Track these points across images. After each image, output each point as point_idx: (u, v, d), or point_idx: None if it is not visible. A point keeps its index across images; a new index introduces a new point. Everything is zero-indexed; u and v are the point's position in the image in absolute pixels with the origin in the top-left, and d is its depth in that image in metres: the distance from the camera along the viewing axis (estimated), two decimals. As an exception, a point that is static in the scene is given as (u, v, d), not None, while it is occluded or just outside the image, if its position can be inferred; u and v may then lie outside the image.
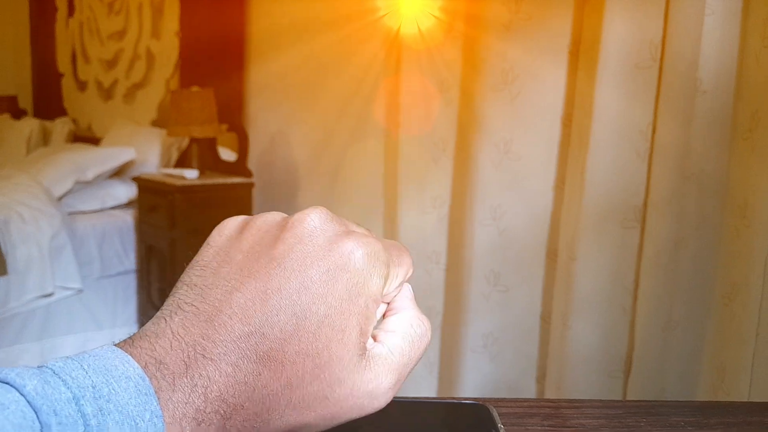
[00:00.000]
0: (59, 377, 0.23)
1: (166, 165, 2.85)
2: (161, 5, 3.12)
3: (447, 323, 1.74)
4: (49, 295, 2.41)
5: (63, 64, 3.94)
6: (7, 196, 2.49)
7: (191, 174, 2.46)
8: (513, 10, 1.44)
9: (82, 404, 0.23)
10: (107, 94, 3.58)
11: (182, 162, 2.72)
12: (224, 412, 0.26)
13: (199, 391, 0.26)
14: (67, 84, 3.92)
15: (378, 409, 0.29)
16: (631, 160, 1.28)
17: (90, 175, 2.70)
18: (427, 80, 1.67)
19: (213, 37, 2.71)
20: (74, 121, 3.79)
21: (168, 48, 3.08)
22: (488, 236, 1.56)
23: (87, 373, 0.24)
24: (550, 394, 1.50)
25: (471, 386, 1.63)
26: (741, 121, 1.12)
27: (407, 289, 0.33)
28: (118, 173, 2.86)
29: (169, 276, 2.27)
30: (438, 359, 1.78)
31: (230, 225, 0.31)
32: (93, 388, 0.23)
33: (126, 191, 2.79)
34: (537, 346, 1.59)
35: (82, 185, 2.72)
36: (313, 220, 0.30)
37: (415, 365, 0.31)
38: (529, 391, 1.60)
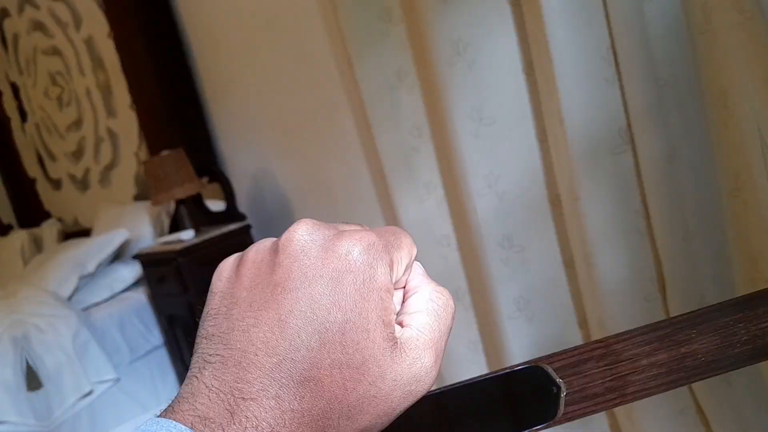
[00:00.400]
0: None
1: (161, 234, 2.85)
2: (108, 84, 3.12)
3: (477, 299, 1.74)
4: (89, 393, 2.40)
5: (31, 168, 3.94)
6: (18, 312, 2.49)
7: (188, 235, 2.46)
8: (444, -19, 1.44)
9: None
10: (83, 184, 3.58)
11: (175, 226, 2.72)
12: None
13: (244, 422, 0.26)
14: (42, 186, 3.92)
15: (429, 388, 0.30)
16: (602, 87, 1.28)
17: (91, 267, 2.70)
18: (383, 73, 1.67)
19: (166, 97, 2.71)
20: (60, 220, 3.79)
21: (127, 122, 3.08)
22: (489, 204, 1.56)
23: None
24: (596, 336, 1.50)
25: (518, 352, 1.63)
26: (694, 16, 1.12)
27: (417, 266, 0.34)
28: (118, 256, 2.86)
29: (193, 336, 2.27)
30: (479, 336, 1.78)
31: (226, 267, 0.31)
32: None
33: (131, 271, 2.79)
34: (569, 294, 1.59)
35: (87, 279, 2.72)
36: (302, 235, 0.30)
37: (449, 336, 0.31)
38: (576, 339, 1.60)
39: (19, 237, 3.57)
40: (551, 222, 1.55)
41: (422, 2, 1.48)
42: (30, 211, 4.02)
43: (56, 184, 3.79)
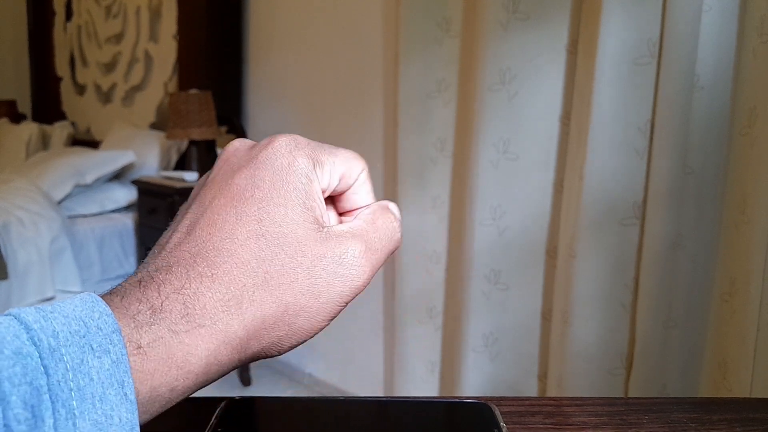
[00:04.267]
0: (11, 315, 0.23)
1: (166, 168, 2.84)
2: (159, 8, 3.11)
3: (448, 323, 1.74)
4: (50, 299, 2.40)
5: (61, 68, 3.94)
6: (6, 200, 2.49)
7: (191, 176, 2.46)
8: (511, 9, 1.44)
9: (23, 316, 0.23)
10: (106, 97, 3.58)
11: (181, 164, 2.72)
12: (185, 304, 0.26)
13: (153, 289, 0.26)
14: (66, 88, 3.92)
15: (362, 282, 0.29)
16: (630, 157, 1.28)
17: (89, 178, 2.70)
18: (426, 80, 1.67)
19: (211, 39, 2.71)
20: (73, 124, 3.79)
21: (166, 51, 3.08)
22: (488, 236, 1.56)
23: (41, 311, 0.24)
24: (551, 393, 1.50)
25: (473, 385, 1.63)
26: (739, 116, 1.12)
27: (370, 190, 0.34)
28: (118, 176, 2.86)
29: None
30: (439, 359, 1.78)
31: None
32: (36, 310, 0.23)
33: (125, 194, 2.79)
34: (538, 344, 1.59)
35: (82, 189, 2.72)
36: (233, 144, 0.32)
37: (386, 258, 0.31)
38: (531, 390, 1.60)
39: (29, 129, 3.56)
40: (542, 270, 1.55)
41: (483, 22, 1.48)
42: (47, 108, 4.02)
43: (81, 89, 3.78)
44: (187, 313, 0.26)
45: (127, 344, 0.24)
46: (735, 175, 1.14)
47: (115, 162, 2.75)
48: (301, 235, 0.28)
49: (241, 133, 2.65)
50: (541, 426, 0.39)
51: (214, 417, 0.36)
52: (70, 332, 0.22)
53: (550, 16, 1.43)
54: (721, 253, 1.18)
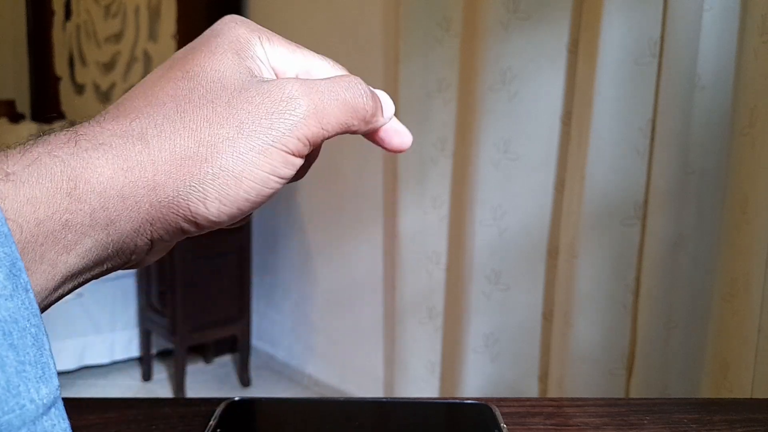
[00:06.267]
0: None
1: (165, 168, 2.84)
2: (158, 8, 3.11)
3: (448, 323, 1.74)
4: (49, 299, 2.40)
5: (60, 67, 3.94)
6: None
7: (190, 176, 2.46)
8: (511, 8, 1.44)
9: None
10: (105, 97, 3.58)
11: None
12: (76, 132, 0.23)
13: (47, 135, 0.23)
14: (65, 87, 3.92)
15: (298, 116, 0.25)
16: (631, 157, 1.28)
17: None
18: (426, 80, 1.66)
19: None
20: (72, 124, 3.78)
21: (165, 51, 3.07)
22: (489, 236, 1.56)
23: None
24: (552, 393, 1.49)
25: (473, 386, 1.63)
26: (740, 116, 1.12)
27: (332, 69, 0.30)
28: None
29: (169, 278, 2.27)
30: (440, 360, 1.78)
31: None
32: None
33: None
34: (539, 345, 1.59)
35: (81, 189, 2.72)
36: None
37: (339, 101, 0.27)
38: (532, 391, 1.60)
39: (28, 128, 3.57)
40: (543, 271, 1.55)
41: (484, 22, 1.47)
42: (46, 108, 4.02)
43: (79, 88, 3.78)
44: (76, 139, 0.23)
45: None
46: (736, 174, 1.14)
47: (114, 162, 2.75)
48: (228, 75, 0.25)
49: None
50: (542, 427, 0.39)
51: (213, 418, 0.36)
52: None
53: (551, 15, 1.43)
54: (723, 253, 1.18)
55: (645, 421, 0.40)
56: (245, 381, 2.42)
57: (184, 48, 0.28)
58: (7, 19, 4.27)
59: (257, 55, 0.27)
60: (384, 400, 0.42)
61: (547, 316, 1.56)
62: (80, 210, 0.22)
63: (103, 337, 2.49)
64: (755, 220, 1.07)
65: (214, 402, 0.38)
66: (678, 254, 1.26)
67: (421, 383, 1.79)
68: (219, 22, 0.28)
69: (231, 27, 0.27)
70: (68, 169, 0.22)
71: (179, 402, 0.39)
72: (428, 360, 1.79)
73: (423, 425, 0.37)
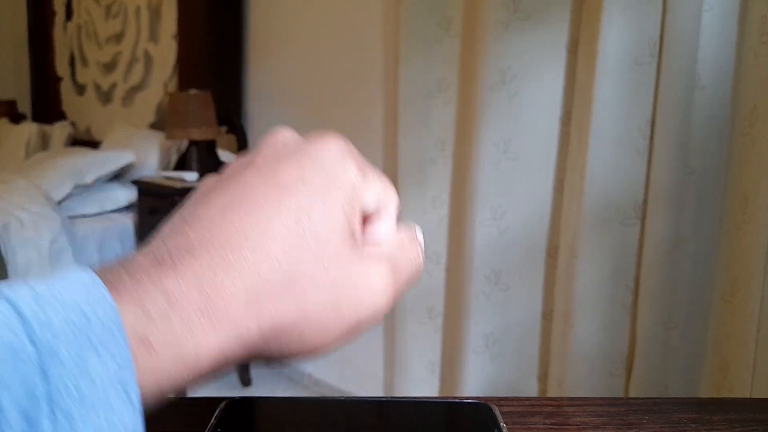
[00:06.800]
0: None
1: (165, 168, 2.84)
2: (159, 8, 3.11)
3: (448, 323, 1.74)
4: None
5: (61, 68, 3.94)
6: (6, 200, 2.49)
7: (191, 176, 2.46)
8: (511, 8, 1.44)
9: (16, 301, 0.20)
10: (106, 97, 3.58)
11: (181, 164, 2.72)
12: (203, 293, 0.23)
13: (169, 269, 0.23)
14: (66, 88, 3.92)
15: (382, 306, 0.27)
16: (631, 157, 1.28)
17: (89, 178, 2.69)
18: (426, 79, 1.67)
19: (210, 39, 2.71)
20: (73, 124, 3.78)
21: (166, 51, 3.08)
22: (488, 236, 1.56)
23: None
24: (552, 393, 1.49)
25: (473, 386, 1.63)
26: (740, 116, 1.12)
27: (393, 221, 0.31)
28: (118, 176, 2.86)
29: (170, 279, 2.27)
30: (439, 359, 1.78)
31: (208, 179, 0.30)
32: (30, 292, 0.20)
33: (125, 194, 2.78)
34: (538, 345, 1.59)
35: (82, 189, 2.72)
36: (281, 131, 0.30)
37: (410, 278, 0.29)
38: (531, 390, 1.60)
39: (29, 129, 3.56)
40: (542, 271, 1.55)
41: (484, 21, 1.48)
42: (47, 108, 4.02)
43: (80, 89, 3.78)
44: (205, 305, 0.23)
45: (132, 338, 0.21)
46: (736, 175, 1.14)
47: (115, 162, 2.75)
48: (336, 243, 0.26)
49: (241, 134, 2.65)
50: (542, 426, 0.39)
51: (213, 417, 0.36)
52: (67, 324, 0.20)
53: (551, 15, 1.43)
54: (722, 253, 1.18)
55: (644, 421, 0.40)
56: (245, 380, 2.42)
57: (293, 167, 0.27)
58: (7, 19, 4.27)
59: (359, 209, 0.28)
60: (384, 399, 0.42)
61: (547, 316, 1.56)
62: (192, 376, 0.23)
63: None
64: (755, 220, 1.07)
65: (214, 401, 0.38)
66: (678, 254, 1.26)
67: (421, 383, 1.80)
68: (326, 145, 0.28)
69: (346, 169, 0.27)
70: (195, 341, 0.23)
71: (179, 401, 0.39)
72: (428, 360, 1.79)
73: (423, 425, 0.38)
